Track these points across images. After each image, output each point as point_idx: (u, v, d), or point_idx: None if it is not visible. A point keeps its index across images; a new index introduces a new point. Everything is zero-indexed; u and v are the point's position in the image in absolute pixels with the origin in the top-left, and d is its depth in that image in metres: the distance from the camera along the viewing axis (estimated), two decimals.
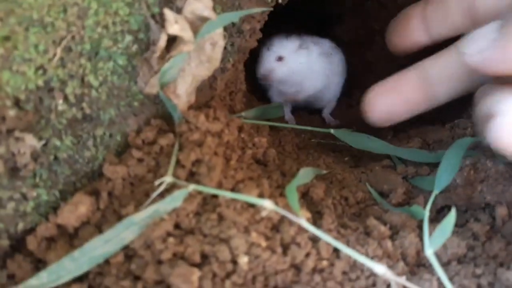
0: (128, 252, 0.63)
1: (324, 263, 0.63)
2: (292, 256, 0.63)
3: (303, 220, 0.61)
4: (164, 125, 0.79)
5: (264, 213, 0.61)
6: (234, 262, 0.61)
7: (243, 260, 0.61)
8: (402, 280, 0.58)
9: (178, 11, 0.72)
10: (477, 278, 0.64)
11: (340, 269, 0.63)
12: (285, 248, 0.63)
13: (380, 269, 0.58)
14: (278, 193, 0.74)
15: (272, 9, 0.87)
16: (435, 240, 0.62)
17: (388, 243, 0.68)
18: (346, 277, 0.63)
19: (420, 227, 0.73)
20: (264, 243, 0.62)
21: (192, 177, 0.70)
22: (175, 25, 0.68)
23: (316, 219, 0.70)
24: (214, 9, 0.80)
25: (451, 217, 0.62)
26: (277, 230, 0.64)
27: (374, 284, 0.62)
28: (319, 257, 0.63)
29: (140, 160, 0.73)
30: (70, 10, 0.65)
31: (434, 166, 0.89)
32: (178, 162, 0.70)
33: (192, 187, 0.64)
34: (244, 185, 0.69)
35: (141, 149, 0.74)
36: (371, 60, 1.40)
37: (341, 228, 0.69)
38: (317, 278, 0.62)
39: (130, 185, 0.71)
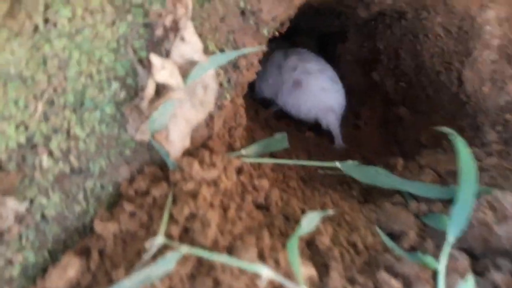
0: None
1: None
2: None
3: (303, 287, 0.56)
4: (158, 172, 0.74)
5: (262, 284, 0.56)
6: None
7: None
8: None
9: (167, 54, 0.68)
10: None
11: None
12: None
13: None
14: (280, 244, 0.69)
15: (265, 48, 0.82)
16: None
17: None
18: None
19: (434, 277, 0.68)
20: None
21: (186, 233, 0.65)
22: (162, 71, 0.64)
23: (322, 274, 0.65)
24: (207, 47, 0.77)
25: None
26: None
27: None
28: None
29: (132, 215, 0.68)
30: (50, 62, 0.61)
31: (448, 201, 0.84)
32: (171, 216, 0.66)
33: (184, 249, 0.59)
34: (242, 242, 0.64)
35: (134, 201, 0.70)
36: (376, 79, 1.34)
37: (349, 285, 0.64)
38: None
39: (122, 243, 0.66)
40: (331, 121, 1.27)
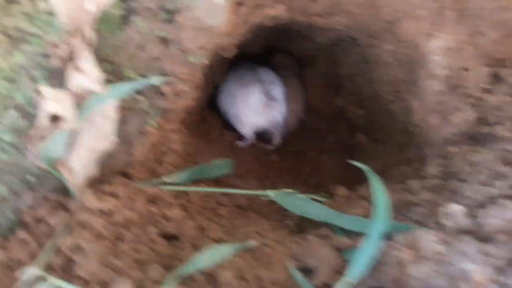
0: None
1: None
2: None
3: None
4: (64, 199, 0.74)
5: None
6: None
7: None
8: None
9: (63, 84, 0.68)
10: None
11: None
12: None
13: None
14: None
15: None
16: None
17: None
18: None
19: None
20: None
21: (70, 265, 0.64)
22: (53, 103, 0.64)
23: None
24: (123, 75, 0.77)
25: None
26: None
27: None
28: None
29: (23, 242, 0.68)
30: None
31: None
32: (58, 250, 0.65)
33: (54, 282, 0.59)
34: (122, 276, 0.62)
35: (28, 229, 0.70)
36: (340, 105, 1.31)
37: None
38: None
39: (8, 270, 0.66)
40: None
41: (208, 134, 1.28)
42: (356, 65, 1.13)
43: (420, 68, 0.93)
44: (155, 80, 0.74)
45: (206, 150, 1.13)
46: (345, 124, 1.30)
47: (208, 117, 1.38)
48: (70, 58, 0.66)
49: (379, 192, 0.75)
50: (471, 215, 0.77)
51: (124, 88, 0.70)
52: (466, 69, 0.90)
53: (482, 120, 0.91)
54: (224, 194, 1.01)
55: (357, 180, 1.19)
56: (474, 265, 0.68)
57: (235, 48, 1.01)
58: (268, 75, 1.30)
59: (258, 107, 1.25)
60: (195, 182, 0.96)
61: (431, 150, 0.96)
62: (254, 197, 1.06)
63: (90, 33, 0.66)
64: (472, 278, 0.67)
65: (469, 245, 0.72)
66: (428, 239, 0.74)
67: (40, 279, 0.61)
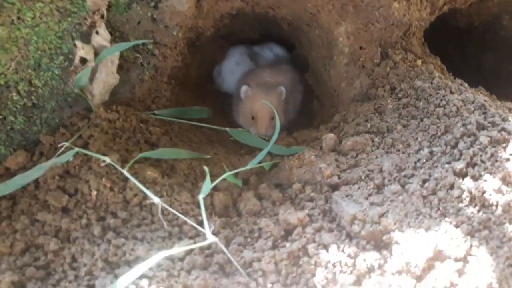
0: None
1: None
2: (123, 194, 1.02)
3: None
4: (88, 113, 1.22)
5: (102, 164, 1.01)
6: (90, 194, 1.02)
7: (94, 193, 1.01)
8: None
9: (89, 41, 1.15)
10: None
11: None
12: (119, 188, 1.02)
13: None
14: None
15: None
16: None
17: None
18: None
19: None
20: (108, 184, 1.02)
21: (86, 144, 1.12)
22: (82, 51, 1.11)
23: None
24: (128, 40, 1.24)
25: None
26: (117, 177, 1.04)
27: None
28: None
29: (64, 135, 1.16)
30: (19, 41, 1.12)
31: None
32: (80, 136, 1.13)
33: (76, 149, 1.06)
34: (113, 152, 1.09)
35: (67, 128, 1.18)
36: (306, 79, 1.70)
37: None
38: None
39: (53, 148, 1.14)
40: None
41: (199, 91, 1.73)
42: (305, 45, 1.54)
43: (334, 47, 1.34)
44: (145, 41, 1.19)
45: (192, 100, 1.58)
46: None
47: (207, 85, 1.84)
48: (93, 26, 1.13)
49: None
50: (340, 141, 1.18)
51: (123, 46, 1.16)
52: (363, 48, 1.30)
53: (372, 85, 1.30)
54: (201, 131, 1.46)
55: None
56: (325, 165, 1.09)
57: (212, 29, 1.46)
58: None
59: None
60: (180, 119, 1.39)
61: (342, 106, 1.37)
62: (225, 135, 1.49)
63: (104, 12, 1.13)
64: (323, 172, 1.08)
65: (330, 157, 1.13)
66: (309, 154, 1.15)
67: (70, 148, 1.08)
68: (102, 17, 1.14)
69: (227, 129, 1.37)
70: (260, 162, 1.21)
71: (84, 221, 0.99)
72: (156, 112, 1.33)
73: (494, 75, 1.79)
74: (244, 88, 1.59)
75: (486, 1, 1.47)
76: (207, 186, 0.98)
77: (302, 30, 1.47)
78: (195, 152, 1.25)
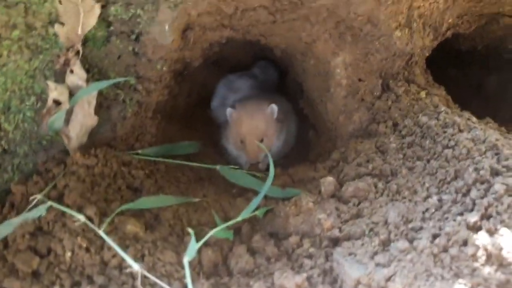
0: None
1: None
2: (101, 255, 0.91)
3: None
4: (65, 157, 1.11)
5: (77, 223, 0.91)
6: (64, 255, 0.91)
7: (68, 254, 0.91)
8: None
9: (63, 80, 1.05)
10: None
11: None
12: (97, 248, 0.92)
13: None
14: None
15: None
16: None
17: None
18: None
19: None
20: (84, 244, 0.92)
21: (61, 196, 1.01)
22: (54, 92, 1.01)
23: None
24: (109, 76, 1.13)
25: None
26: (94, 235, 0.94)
27: None
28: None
29: (36, 183, 1.05)
30: None
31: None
32: (55, 185, 1.03)
33: (49, 203, 0.95)
34: (90, 205, 0.98)
35: (41, 175, 1.07)
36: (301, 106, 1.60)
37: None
38: None
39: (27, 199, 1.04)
40: None
41: (188, 121, 1.63)
42: (300, 74, 1.44)
43: (330, 78, 1.24)
44: (124, 79, 1.09)
45: (180, 132, 1.48)
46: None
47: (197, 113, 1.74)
48: (67, 64, 1.03)
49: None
50: (340, 184, 1.08)
51: (100, 85, 1.06)
52: (362, 80, 1.21)
53: (372, 120, 1.21)
54: (190, 168, 1.36)
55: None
56: (325, 215, 0.99)
57: (201, 59, 1.36)
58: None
59: None
60: (166, 157, 1.29)
61: (340, 142, 1.27)
62: (214, 172, 1.39)
63: (79, 48, 1.03)
64: (323, 224, 0.98)
65: (330, 204, 1.04)
66: (306, 200, 1.05)
67: (43, 202, 0.98)
68: (77, 53, 1.04)
69: (217, 167, 1.27)
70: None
71: (56, 287, 0.89)
72: (139, 151, 1.23)
73: (498, 98, 1.70)
74: (229, 110, 1.48)
75: (491, 25, 1.38)
76: (192, 248, 0.87)
77: (296, 59, 1.37)
78: (181, 197, 1.15)
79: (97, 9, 1.02)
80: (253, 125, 1.43)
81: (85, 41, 1.09)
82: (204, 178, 1.36)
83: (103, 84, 1.06)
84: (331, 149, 1.32)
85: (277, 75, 1.92)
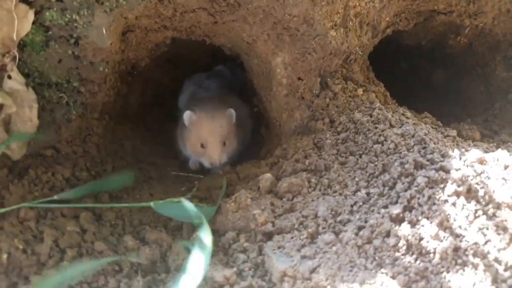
0: None
1: None
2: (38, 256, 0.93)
3: None
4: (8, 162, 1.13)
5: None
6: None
7: (4, 256, 0.93)
8: None
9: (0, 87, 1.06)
10: None
11: None
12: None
13: None
14: None
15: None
16: None
17: None
18: None
19: None
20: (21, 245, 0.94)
21: None
22: None
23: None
24: (51, 79, 1.15)
25: None
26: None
27: None
28: None
29: None
30: None
31: None
32: None
33: None
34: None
35: None
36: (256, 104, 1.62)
37: None
38: None
39: None
40: None
41: (141, 121, 1.64)
42: (249, 72, 1.47)
43: (272, 77, 1.27)
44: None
45: (131, 133, 1.49)
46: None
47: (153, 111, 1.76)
48: (3, 69, 1.04)
49: None
50: (277, 180, 1.12)
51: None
52: (301, 79, 1.24)
53: (312, 117, 1.25)
54: (139, 169, 1.37)
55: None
56: (259, 211, 1.03)
57: (147, 58, 1.38)
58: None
59: None
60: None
61: (284, 138, 1.31)
62: (164, 171, 1.41)
63: (16, 53, 1.04)
64: (257, 219, 1.02)
65: (266, 200, 1.07)
66: (245, 197, 1.09)
67: None
68: (14, 59, 1.05)
69: (151, 203, 1.10)
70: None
71: None
72: (55, 197, 1.04)
73: (444, 91, 1.76)
74: (188, 113, 1.45)
75: (430, 21, 1.43)
76: None
77: (243, 58, 1.40)
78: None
79: (31, 15, 1.03)
80: (215, 129, 1.43)
81: (23, 46, 1.10)
82: (153, 177, 1.38)
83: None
84: (277, 146, 1.35)
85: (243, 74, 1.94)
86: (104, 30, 1.10)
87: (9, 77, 1.06)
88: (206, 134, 1.43)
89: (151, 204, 1.09)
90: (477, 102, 1.58)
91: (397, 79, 1.52)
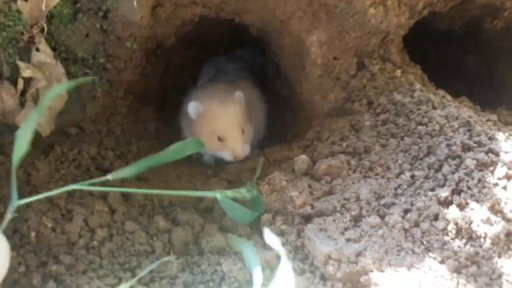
0: None
1: None
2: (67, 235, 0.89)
3: None
4: None
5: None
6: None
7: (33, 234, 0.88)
8: None
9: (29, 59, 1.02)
10: None
11: None
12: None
13: None
14: None
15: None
16: None
17: None
18: None
19: None
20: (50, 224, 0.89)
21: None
22: (27, 70, 0.98)
23: None
24: (76, 54, 1.10)
25: None
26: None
27: None
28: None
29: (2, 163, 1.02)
30: None
31: None
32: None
33: None
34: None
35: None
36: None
37: None
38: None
39: None
40: None
41: (162, 103, 1.58)
42: (276, 53, 1.42)
43: (306, 57, 1.22)
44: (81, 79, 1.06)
45: (153, 115, 1.44)
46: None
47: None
48: (31, 41, 1.00)
49: None
50: (313, 162, 1.07)
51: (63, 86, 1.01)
52: (337, 58, 1.19)
53: (348, 99, 1.20)
54: None
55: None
56: (297, 193, 0.98)
57: (173, 37, 1.33)
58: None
59: None
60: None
61: (316, 121, 1.26)
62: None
63: (44, 25, 1.00)
64: (295, 201, 0.97)
65: (302, 182, 1.03)
66: (280, 179, 1.04)
67: None
68: (42, 31, 1.01)
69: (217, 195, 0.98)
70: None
71: (22, 268, 0.86)
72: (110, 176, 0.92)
73: (476, 78, 1.70)
74: (192, 104, 1.26)
75: (467, 4, 1.37)
76: None
77: (272, 37, 1.35)
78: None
79: None
80: (231, 118, 1.26)
81: (50, 18, 1.05)
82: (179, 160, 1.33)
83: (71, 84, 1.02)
84: (307, 129, 1.30)
85: (262, 58, 1.88)
86: (135, 3, 1.05)
87: (38, 49, 1.01)
88: (223, 125, 1.26)
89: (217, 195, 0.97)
90: None
91: (426, 67, 1.46)
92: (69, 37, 1.08)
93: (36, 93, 1.01)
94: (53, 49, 1.06)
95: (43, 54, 1.01)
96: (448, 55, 1.74)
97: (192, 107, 1.26)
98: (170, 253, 0.93)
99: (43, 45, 1.01)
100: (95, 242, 0.90)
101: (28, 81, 1.03)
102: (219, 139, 1.26)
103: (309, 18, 1.17)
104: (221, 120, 1.25)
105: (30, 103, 1.01)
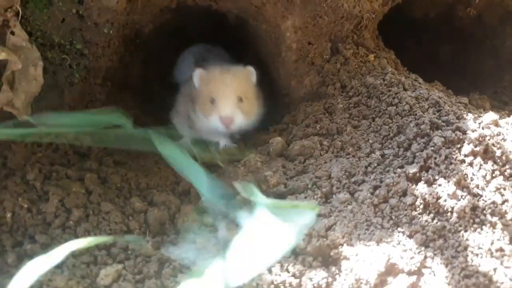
0: None
1: None
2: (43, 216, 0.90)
3: None
4: None
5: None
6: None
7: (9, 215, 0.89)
8: None
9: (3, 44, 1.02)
10: None
11: None
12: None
13: None
14: None
15: None
16: None
17: None
18: None
19: None
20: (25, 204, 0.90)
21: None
22: (2, 53, 0.98)
23: None
24: (53, 40, 1.11)
25: None
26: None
27: None
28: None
29: None
30: None
31: None
32: None
33: None
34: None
35: None
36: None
37: None
38: None
39: None
40: None
41: (142, 94, 1.59)
42: (255, 41, 1.44)
43: (281, 42, 1.24)
44: None
45: (132, 103, 1.45)
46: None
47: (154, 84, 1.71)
48: (6, 25, 1.00)
49: None
50: (288, 144, 1.09)
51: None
52: (311, 43, 1.21)
53: (322, 83, 1.22)
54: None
55: None
56: (271, 172, 1.00)
57: (151, 24, 1.34)
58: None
59: None
60: None
61: (293, 106, 1.28)
62: None
63: (19, 9, 1.00)
64: (269, 180, 0.99)
65: (277, 163, 1.05)
66: (255, 160, 1.06)
67: None
68: (17, 14, 1.01)
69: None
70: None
71: None
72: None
73: (451, 66, 1.74)
74: (198, 71, 1.25)
75: None
76: None
77: (249, 24, 1.37)
78: None
79: None
80: (228, 82, 1.21)
81: (26, 2, 1.06)
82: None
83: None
84: (284, 115, 1.32)
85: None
86: None
87: (12, 33, 1.01)
88: (217, 87, 1.22)
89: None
90: (486, 75, 1.56)
91: (402, 55, 1.49)
92: (45, 22, 1.09)
93: (12, 76, 1.02)
94: (29, 34, 1.07)
95: (18, 37, 1.02)
96: (424, 44, 1.77)
97: (197, 74, 1.26)
98: (146, 233, 0.95)
99: (18, 29, 1.02)
100: (71, 222, 0.91)
101: (3, 64, 1.03)
102: (211, 101, 1.22)
103: (284, 3, 1.19)
104: (216, 82, 1.23)
105: (6, 87, 1.01)
